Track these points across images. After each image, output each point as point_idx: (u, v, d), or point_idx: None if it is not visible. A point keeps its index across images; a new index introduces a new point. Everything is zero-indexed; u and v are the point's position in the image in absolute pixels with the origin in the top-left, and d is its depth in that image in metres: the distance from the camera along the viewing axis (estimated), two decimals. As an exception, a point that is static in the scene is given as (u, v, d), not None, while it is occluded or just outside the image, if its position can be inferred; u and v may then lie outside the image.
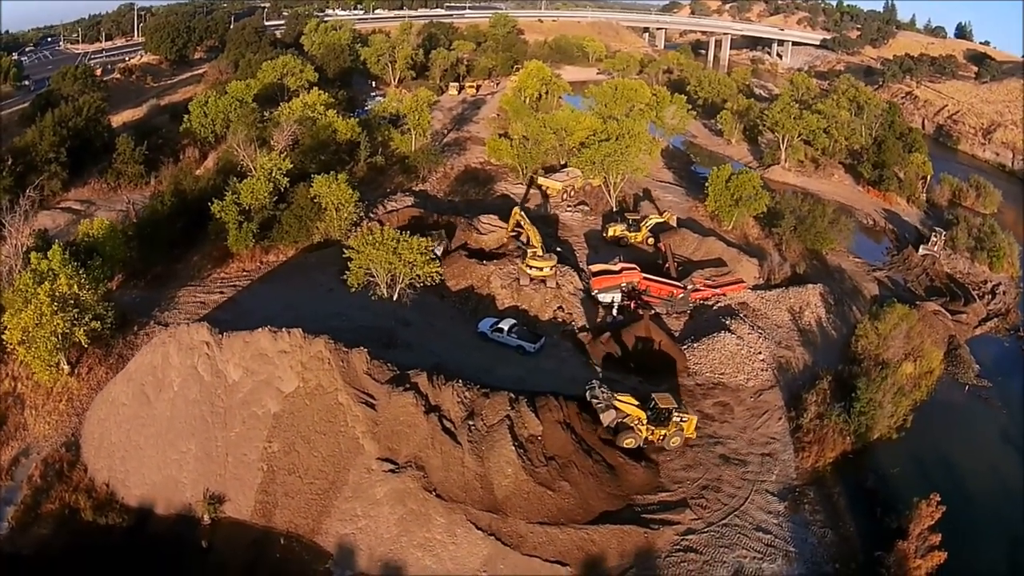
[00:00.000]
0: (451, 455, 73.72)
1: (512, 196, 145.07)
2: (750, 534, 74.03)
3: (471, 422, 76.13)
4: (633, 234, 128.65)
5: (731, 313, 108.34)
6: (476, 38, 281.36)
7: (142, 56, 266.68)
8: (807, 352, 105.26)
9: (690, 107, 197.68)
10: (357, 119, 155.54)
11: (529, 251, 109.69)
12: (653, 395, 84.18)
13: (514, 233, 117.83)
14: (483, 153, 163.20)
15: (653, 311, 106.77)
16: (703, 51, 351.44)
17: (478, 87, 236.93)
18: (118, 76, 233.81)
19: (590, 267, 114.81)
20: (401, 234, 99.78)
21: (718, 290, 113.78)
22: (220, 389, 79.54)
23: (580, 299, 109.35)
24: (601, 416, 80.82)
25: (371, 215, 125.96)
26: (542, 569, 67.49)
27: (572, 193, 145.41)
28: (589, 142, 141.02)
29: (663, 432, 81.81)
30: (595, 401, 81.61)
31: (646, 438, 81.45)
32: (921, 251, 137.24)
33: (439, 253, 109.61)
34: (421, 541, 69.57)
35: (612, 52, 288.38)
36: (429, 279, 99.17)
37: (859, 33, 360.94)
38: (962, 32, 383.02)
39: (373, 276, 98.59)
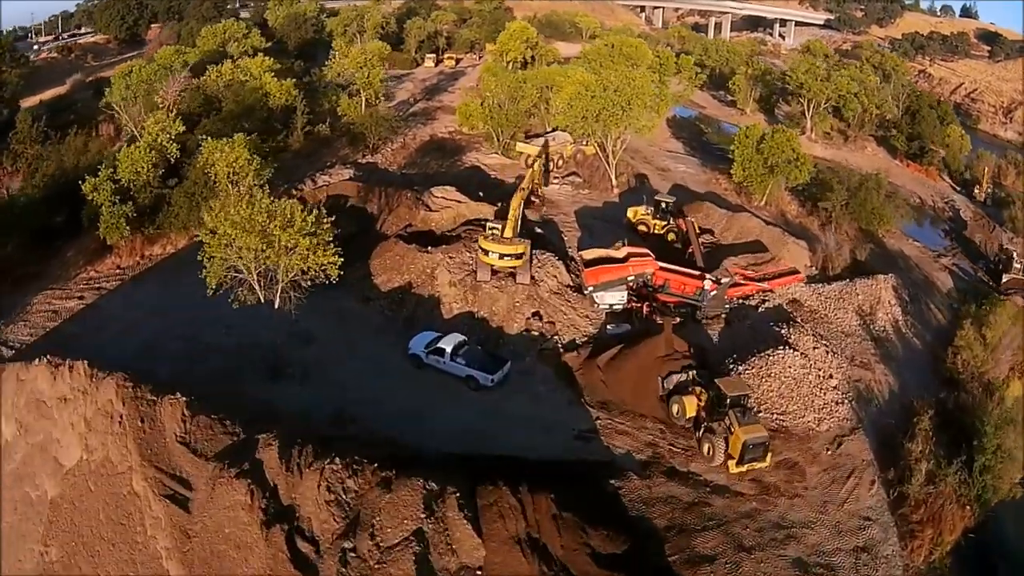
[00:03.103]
0: (308, 613, 35.81)
1: (484, 168, 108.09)
2: None
3: (349, 544, 37.81)
4: (658, 222, 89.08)
5: (783, 317, 72.03)
6: (460, 15, 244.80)
7: (90, 36, 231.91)
8: (889, 370, 71.02)
9: (699, 70, 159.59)
10: (292, 81, 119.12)
11: (488, 228, 72.30)
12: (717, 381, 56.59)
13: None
14: (454, 122, 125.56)
15: (675, 317, 67.91)
16: (702, 34, 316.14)
17: (458, 60, 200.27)
18: (54, 55, 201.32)
19: (582, 254, 75.29)
20: (275, 201, 62.20)
21: (765, 284, 75.20)
22: (-12, 453, 45.58)
23: (568, 300, 72.00)
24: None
25: (295, 190, 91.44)
26: None
27: (560, 162, 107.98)
28: (580, 95, 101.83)
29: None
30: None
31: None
32: (1005, 280, 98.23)
33: None
34: None
35: (607, 29, 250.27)
36: (326, 273, 60.37)
37: (863, 12, 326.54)
38: (967, 13, 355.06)
39: (241, 272, 59.93)
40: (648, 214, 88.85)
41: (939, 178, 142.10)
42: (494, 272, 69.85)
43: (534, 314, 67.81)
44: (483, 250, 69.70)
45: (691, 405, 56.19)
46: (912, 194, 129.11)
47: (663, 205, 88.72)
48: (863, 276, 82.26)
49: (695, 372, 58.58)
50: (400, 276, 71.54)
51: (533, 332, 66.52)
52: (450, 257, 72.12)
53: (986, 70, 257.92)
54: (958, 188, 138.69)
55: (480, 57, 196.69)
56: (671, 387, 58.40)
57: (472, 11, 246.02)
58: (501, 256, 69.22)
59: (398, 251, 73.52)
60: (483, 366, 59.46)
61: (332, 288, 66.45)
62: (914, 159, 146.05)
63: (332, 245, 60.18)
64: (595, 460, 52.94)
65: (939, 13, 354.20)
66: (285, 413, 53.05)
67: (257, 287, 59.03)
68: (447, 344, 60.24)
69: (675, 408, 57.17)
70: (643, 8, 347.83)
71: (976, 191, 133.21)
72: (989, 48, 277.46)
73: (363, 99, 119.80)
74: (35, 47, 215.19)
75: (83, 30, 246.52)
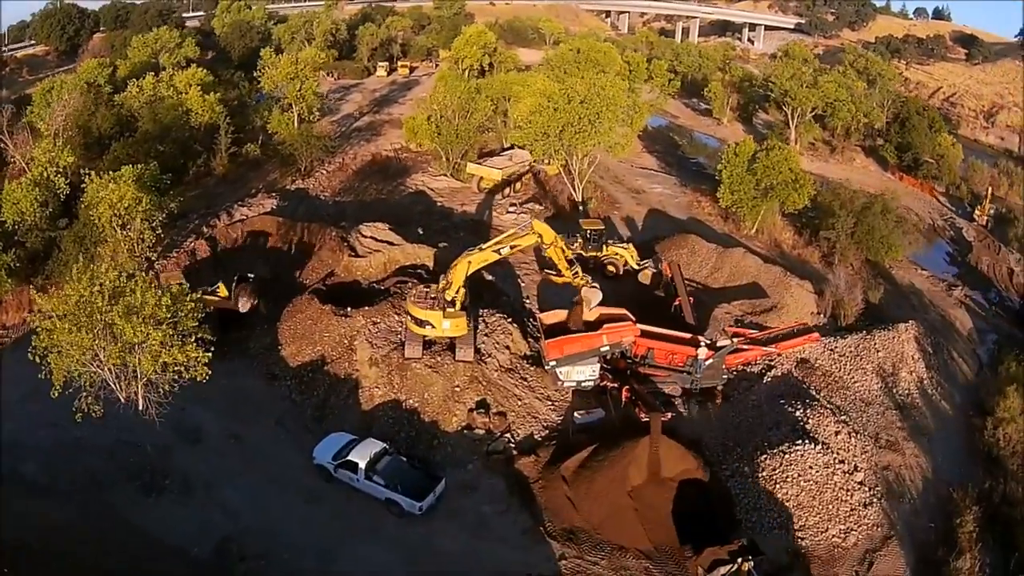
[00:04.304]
0: None
1: (430, 193, 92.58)
2: None
3: None
4: (594, 253, 74.14)
5: (794, 388, 56.79)
6: (419, 20, 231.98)
7: (31, 47, 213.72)
8: (919, 449, 56.18)
9: (673, 76, 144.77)
10: (216, 96, 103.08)
11: (413, 292, 56.71)
12: None
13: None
14: (401, 138, 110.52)
15: (665, 410, 52.15)
16: (671, 39, 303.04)
17: (412, 69, 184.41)
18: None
19: (542, 317, 59.16)
20: (129, 281, 44.01)
21: (772, 348, 59.76)
22: None
23: (523, 377, 56.33)
24: None
25: (207, 227, 77.00)
26: None
27: (519, 187, 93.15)
28: (542, 108, 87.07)
29: None
30: None
31: None
32: None
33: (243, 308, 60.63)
34: None
35: (572, 35, 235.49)
36: (191, 372, 43.23)
37: (835, 16, 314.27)
38: (940, 16, 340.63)
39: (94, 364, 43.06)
40: (577, 247, 72.51)
41: (934, 193, 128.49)
42: (428, 345, 54.33)
43: (478, 404, 51.95)
44: (412, 318, 54.05)
45: None
46: (908, 211, 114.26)
47: (589, 234, 74.24)
48: (880, 325, 67.93)
49: (751, 564, 42.08)
50: (312, 347, 56.02)
51: (477, 429, 50.80)
52: (373, 323, 56.33)
53: (964, 73, 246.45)
54: (953, 209, 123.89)
55: (436, 65, 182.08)
56: None
57: (431, 16, 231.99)
58: (419, 322, 53.73)
59: (311, 313, 57.87)
60: (409, 487, 44.31)
61: (233, 360, 53.68)
62: (908, 171, 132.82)
63: (200, 331, 43.56)
64: (560, 627, 37.71)
65: (912, 16, 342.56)
66: (155, 547, 40.16)
67: (116, 386, 43.07)
68: (360, 456, 45.00)
69: None
70: (608, 13, 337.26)
71: (977, 213, 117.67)
72: (966, 51, 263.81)
73: (295, 115, 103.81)
74: None
75: (31, 41, 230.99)
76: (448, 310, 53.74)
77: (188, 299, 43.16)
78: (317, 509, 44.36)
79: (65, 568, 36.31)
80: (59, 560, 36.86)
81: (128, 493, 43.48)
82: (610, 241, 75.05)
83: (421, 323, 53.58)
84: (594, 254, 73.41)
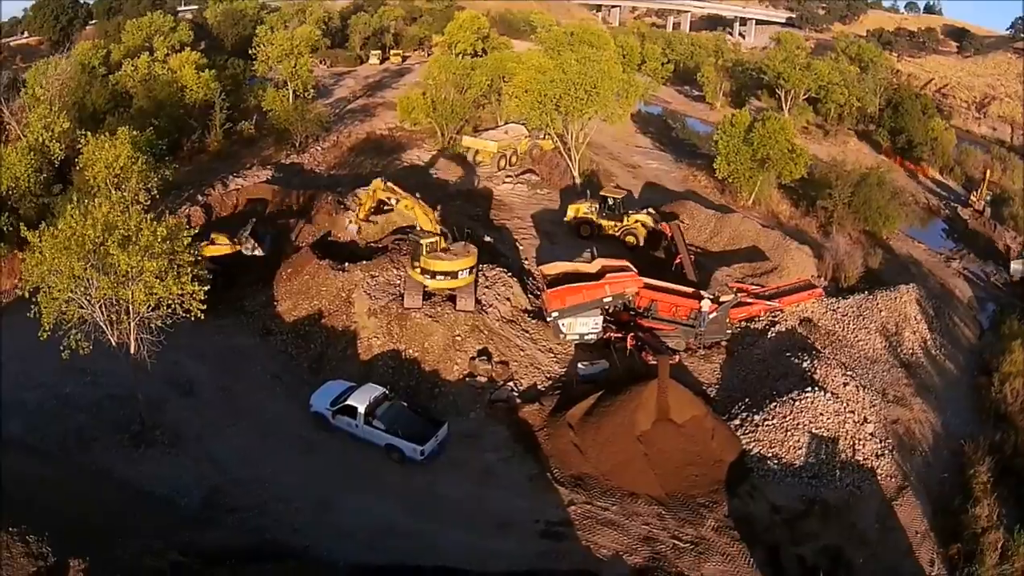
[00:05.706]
0: None
1: (423, 166, 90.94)
2: None
3: None
4: (610, 222, 71.80)
5: (799, 343, 55.62)
6: (411, 13, 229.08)
7: (24, 38, 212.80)
8: (927, 405, 54.83)
9: (666, 60, 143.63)
10: (211, 73, 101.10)
11: (424, 242, 54.41)
12: None
13: (368, 217, 64.72)
14: (395, 118, 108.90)
15: (673, 353, 50.89)
16: (662, 30, 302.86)
17: (405, 57, 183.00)
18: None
19: (543, 269, 57.77)
20: (123, 214, 41.80)
21: (776, 303, 58.38)
22: None
23: (525, 329, 55.02)
24: None
25: (202, 196, 75.50)
26: None
27: (514, 159, 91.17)
28: (537, 80, 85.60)
29: None
30: None
31: None
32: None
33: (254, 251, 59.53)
34: None
35: (563, 27, 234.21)
36: (186, 307, 40.77)
37: (826, 10, 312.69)
38: (931, 11, 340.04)
39: (86, 306, 40.76)
40: (592, 212, 71.75)
41: (928, 175, 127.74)
42: (427, 296, 52.92)
43: (480, 352, 50.70)
44: (417, 267, 52.71)
45: None
46: (903, 191, 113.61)
47: (610, 201, 71.84)
48: (882, 287, 66.78)
49: None
50: (309, 302, 54.51)
51: (479, 377, 49.40)
52: (371, 276, 54.91)
53: (955, 65, 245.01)
54: (947, 195, 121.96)
55: (429, 54, 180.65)
56: None
57: (422, 9, 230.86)
58: (433, 275, 52.41)
59: (308, 269, 56.36)
60: (410, 432, 42.59)
61: (225, 317, 52.00)
62: (901, 154, 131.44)
63: (195, 268, 41.48)
64: (572, 570, 36.65)
65: (904, 10, 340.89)
66: (142, 498, 38.44)
67: (107, 327, 40.84)
68: (359, 401, 43.35)
69: None
70: (599, 7, 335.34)
71: (973, 198, 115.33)
72: (957, 44, 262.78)
73: (290, 92, 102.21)
74: None
75: (24, 34, 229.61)
76: (451, 250, 53.95)
77: (185, 234, 41.23)
78: (314, 459, 42.73)
79: (48, 521, 34.69)
80: (42, 513, 35.29)
81: (116, 446, 41.87)
82: (629, 211, 72.56)
83: (447, 275, 52.85)
84: (611, 223, 71.26)
